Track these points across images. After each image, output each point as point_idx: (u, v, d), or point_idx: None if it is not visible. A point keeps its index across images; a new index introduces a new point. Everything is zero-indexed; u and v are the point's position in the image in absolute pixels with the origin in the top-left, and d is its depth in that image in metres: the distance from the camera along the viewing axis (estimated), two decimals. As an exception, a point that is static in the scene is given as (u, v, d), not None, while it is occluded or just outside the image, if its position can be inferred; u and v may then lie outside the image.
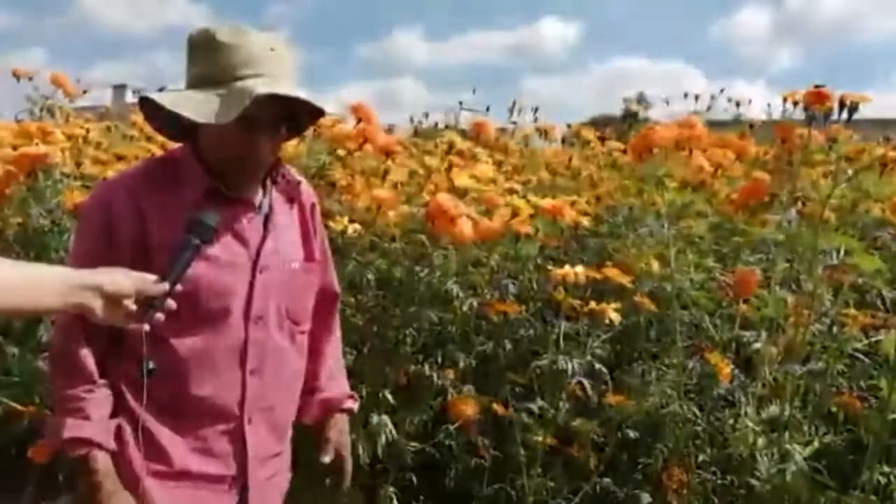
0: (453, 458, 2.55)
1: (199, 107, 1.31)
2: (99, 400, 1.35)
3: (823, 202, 2.09)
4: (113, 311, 1.14)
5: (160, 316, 1.19)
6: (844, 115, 2.06)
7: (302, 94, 1.35)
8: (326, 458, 1.58)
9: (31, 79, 3.80)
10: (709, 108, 4.48)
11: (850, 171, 2.16)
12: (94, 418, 1.34)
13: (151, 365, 1.29)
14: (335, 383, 1.67)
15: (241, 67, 1.33)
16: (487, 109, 4.10)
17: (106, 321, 1.15)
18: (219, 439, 1.42)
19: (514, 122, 4.10)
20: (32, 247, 2.72)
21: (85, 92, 3.98)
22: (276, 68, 1.36)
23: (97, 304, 1.12)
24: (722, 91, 4.61)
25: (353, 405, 1.69)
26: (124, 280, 1.15)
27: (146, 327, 1.20)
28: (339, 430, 1.64)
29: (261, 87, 1.30)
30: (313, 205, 1.59)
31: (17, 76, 3.79)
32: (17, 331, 2.66)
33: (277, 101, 1.34)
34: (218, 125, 1.31)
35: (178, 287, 1.22)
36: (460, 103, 4.10)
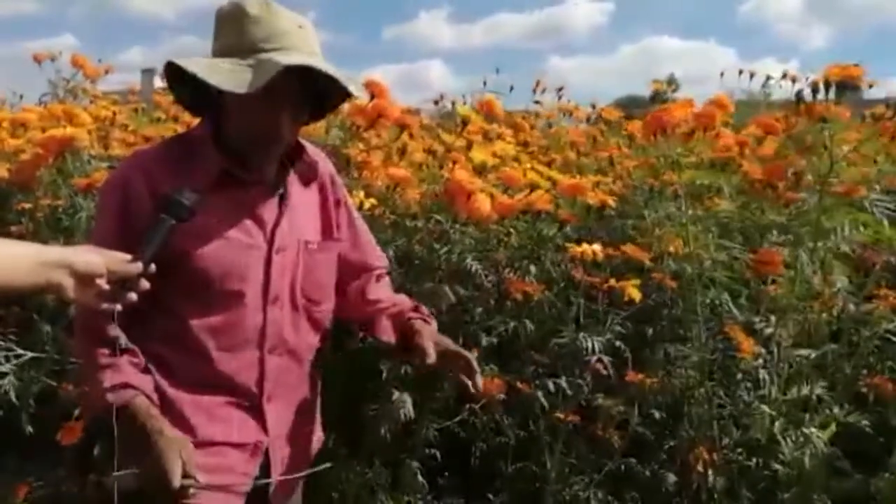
0: (477, 436, 2.56)
1: (225, 76, 1.32)
2: (126, 362, 1.33)
3: (823, 179, 2.06)
4: (85, 290, 1.12)
5: (133, 296, 1.17)
6: (848, 93, 2.04)
7: (331, 69, 1.35)
8: (430, 360, 1.45)
9: (53, 60, 3.84)
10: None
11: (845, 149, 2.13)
12: (129, 371, 1.33)
13: (124, 345, 1.28)
14: (400, 300, 1.64)
15: (269, 40, 1.34)
16: (511, 90, 4.04)
17: (77, 301, 1.13)
18: (240, 415, 1.44)
19: (538, 102, 4.06)
20: (61, 229, 2.76)
21: (107, 72, 4.00)
22: (303, 44, 1.36)
23: (68, 283, 1.09)
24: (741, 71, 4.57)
25: (426, 313, 1.60)
26: (96, 259, 1.13)
27: (118, 307, 1.17)
28: (428, 334, 1.51)
29: (288, 59, 1.30)
30: (333, 182, 1.58)
31: (37, 61, 3.82)
32: (51, 309, 2.70)
33: (303, 78, 1.34)
34: (241, 97, 1.31)
35: (153, 267, 1.20)
36: (484, 83, 4.06)
